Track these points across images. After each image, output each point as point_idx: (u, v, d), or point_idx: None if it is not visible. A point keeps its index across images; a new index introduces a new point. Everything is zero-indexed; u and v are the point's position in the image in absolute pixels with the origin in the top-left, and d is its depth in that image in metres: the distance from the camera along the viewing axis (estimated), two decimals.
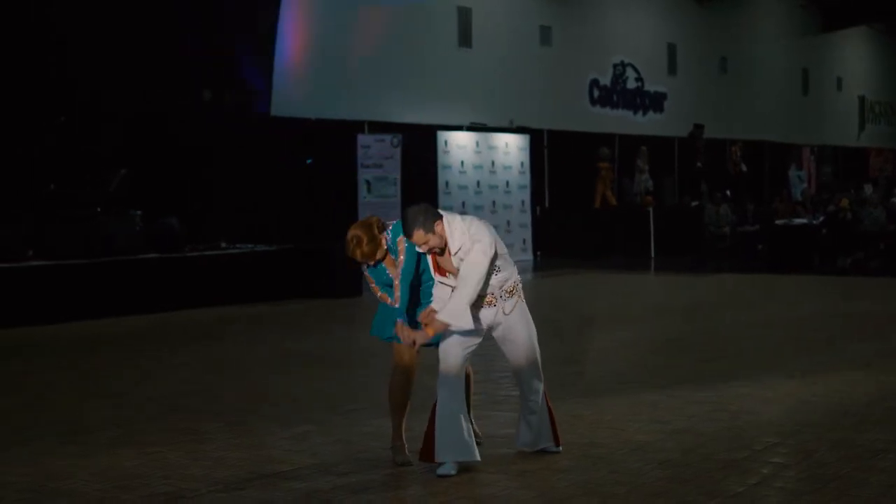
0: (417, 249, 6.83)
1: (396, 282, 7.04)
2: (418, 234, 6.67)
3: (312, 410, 9.01)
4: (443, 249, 6.78)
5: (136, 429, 8.41)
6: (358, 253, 7.03)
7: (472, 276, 6.67)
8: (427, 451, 6.89)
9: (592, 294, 18.82)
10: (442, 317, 6.68)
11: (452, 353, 6.88)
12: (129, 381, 10.66)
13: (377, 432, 8.00)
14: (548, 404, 7.28)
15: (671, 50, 34.37)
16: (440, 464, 6.86)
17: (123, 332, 14.46)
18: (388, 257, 7.14)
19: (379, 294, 7.29)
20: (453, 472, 6.82)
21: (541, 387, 7.21)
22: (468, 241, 6.72)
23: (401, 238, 6.94)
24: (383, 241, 7.07)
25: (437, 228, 6.69)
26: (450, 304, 6.69)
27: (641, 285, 20.77)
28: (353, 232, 7.06)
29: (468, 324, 6.72)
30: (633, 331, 13.79)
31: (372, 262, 7.13)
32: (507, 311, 7.01)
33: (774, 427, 8.06)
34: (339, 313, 16.39)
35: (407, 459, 7.15)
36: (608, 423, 8.29)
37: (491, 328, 7.07)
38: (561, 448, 7.33)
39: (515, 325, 7.04)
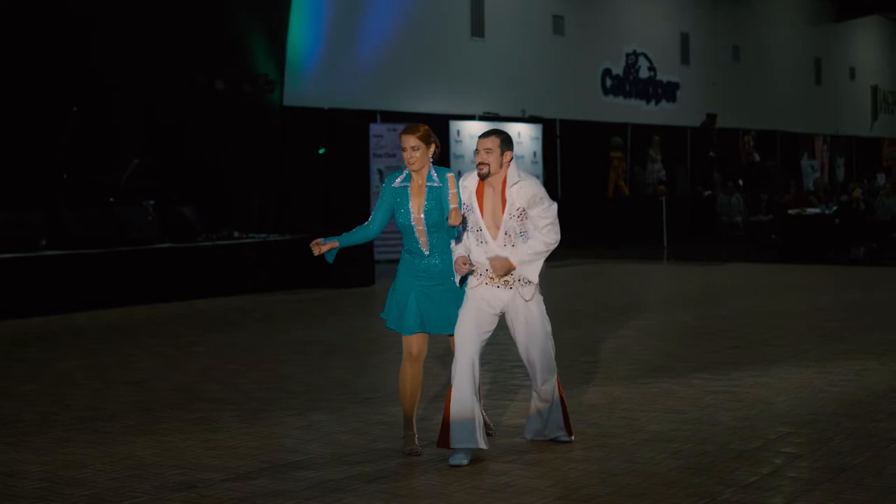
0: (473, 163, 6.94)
1: (420, 227, 6.97)
2: (493, 140, 6.87)
3: (327, 399, 9.03)
4: (484, 174, 6.84)
5: (153, 417, 8.44)
6: (422, 130, 7.00)
7: (548, 244, 6.88)
8: (444, 438, 6.90)
9: (605, 283, 18.81)
10: (517, 258, 6.83)
11: (467, 339, 6.89)
12: (146, 370, 10.69)
13: (391, 421, 8.01)
14: (561, 394, 7.28)
15: (684, 39, 34.28)
16: (454, 452, 6.87)
17: (139, 322, 14.49)
18: (422, 187, 7.05)
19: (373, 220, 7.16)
20: (465, 461, 6.83)
21: (553, 378, 7.19)
22: (523, 192, 6.83)
23: (450, 176, 6.94)
24: (433, 150, 7.04)
25: (507, 157, 6.91)
26: (529, 248, 6.85)
27: (654, 275, 20.75)
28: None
29: (533, 275, 6.90)
30: (647, 320, 13.77)
31: (417, 154, 6.95)
32: (526, 298, 7.00)
33: (788, 417, 8.05)
34: (353, 302, 16.41)
35: (416, 449, 7.14)
36: (622, 412, 8.29)
37: (504, 314, 7.05)
38: (573, 438, 7.33)
39: (533, 318, 7.03)
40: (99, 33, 18.35)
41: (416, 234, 7.03)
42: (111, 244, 16.19)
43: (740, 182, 31.19)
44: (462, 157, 24.32)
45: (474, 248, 6.97)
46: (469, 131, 24.61)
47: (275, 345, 12.39)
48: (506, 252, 6.87)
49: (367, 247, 18.60)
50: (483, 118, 25.89)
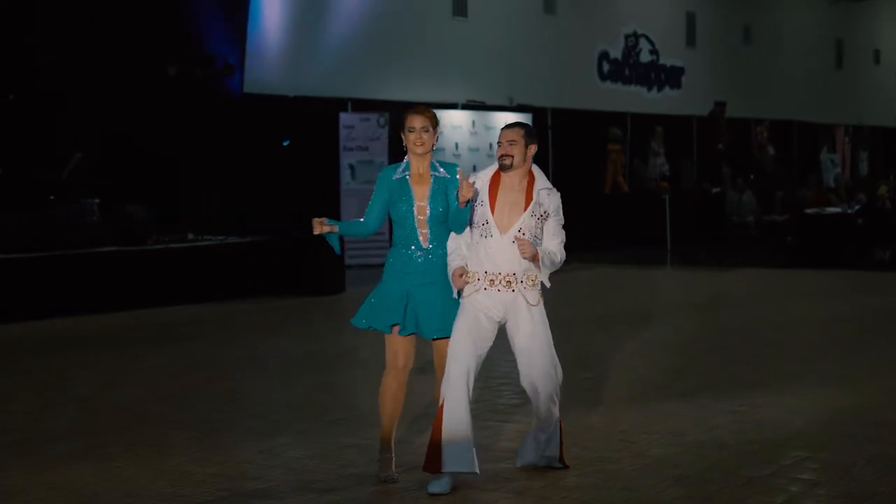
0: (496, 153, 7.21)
1: (422, 217, 7.14)
2: (517, 131, 7.20)
3: (291, 420, 9.03)
4: (507, 166, 7.11)
5: (98, 440, 8.43)
6: (431, 112, 7.24)
7: (559, 260, 7.30)
8: (432, 462, 6.89)
9: (602, 291, 18.84)
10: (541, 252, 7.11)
11: (462, 352, 6.96)
12: (89, 388, 10.67)
13: (364, 444, 8.02)
14: (560, 423, 7.34)
15: (689, 19, 34.36)
16: (436, 478, 6.88)
17: (82, 334, 14.45)
18: (425, 176, 7.23)
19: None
20: (447, 489, 6.85)
21: (557, 405, 7.25)
22: (552, 200, 7.26)
23: (460, 171, 7.24)
24: (436, 138, 7.29)
25: (532, 150, 7.23)
26: (549, 249, 7.22)
27: (656, 281, 20.80)
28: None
29: (545, 275, 7.28)
30: (648, 332, 13.82)
31: (426, 136, 7.19)
32: (532, 302, 7.14)
33: (804, 439, 8.10)
34: (322, 312, 16.40)
35: (392, 475, 7.17)
36: (620, 434, 8.33)
37: (505, 323, 7.15)
38: (568, 466, 7.37)
39: (537, 329, 7.17)
40: (38, 15, 18.30)
41: (417, 226, 7.16)
42: (50, 247, 16.13)
43: (752, 178, 31.28)
44: (443, 150, 24.31)
45: (477, 242, 7.12)
46: (451, 121, 24.60)
47: (234, 359, 12.39)
48: (514, 247, 7.06)
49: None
50: (466, 107, 25.91)
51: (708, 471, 7.25)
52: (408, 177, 7.22)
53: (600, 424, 8.66)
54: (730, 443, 8.00)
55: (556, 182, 25.89)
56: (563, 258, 7.34)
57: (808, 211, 24.85)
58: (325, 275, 17.98)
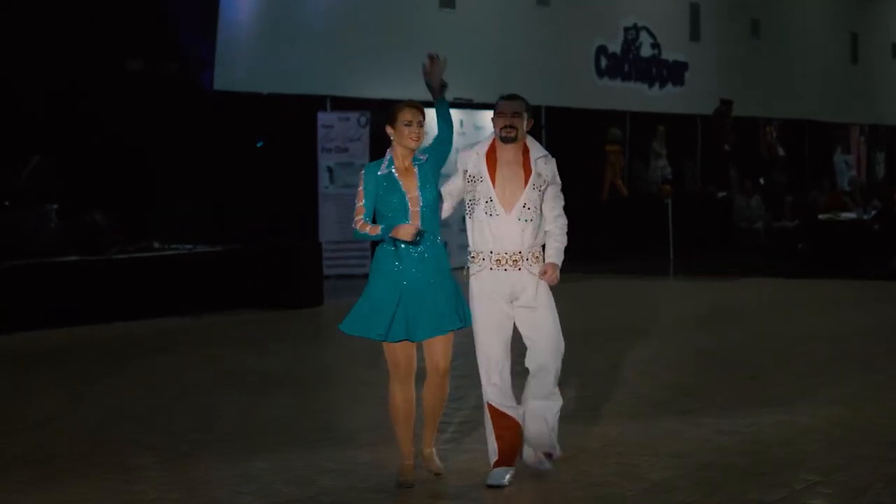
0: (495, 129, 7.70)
1: (416, 208, 7.50)
2: (520, 104, 7.69)
3: (267, 443, 9.03)
4: (512, 138, 7.58)
5: (56, 466, 8.42)
6: (421, 108, 7.69)
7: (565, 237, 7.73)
8: (506, 456, 7.53)
9: (599, 304, 18.86)
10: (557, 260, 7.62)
11: (492, 344, 7.54)
12: (48, 409, 10.65)
13: (342, 469, 8.03)
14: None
15: (694, 11, 34.44)
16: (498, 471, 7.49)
17: (38, 350, 14.43)
18: (410, 168, 7.64)
19: (359, 224, 7.54)
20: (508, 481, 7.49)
21: (557, 394, 7.81)
22: (549, 167, 7.71)
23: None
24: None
25: (530, 123, 7.74)
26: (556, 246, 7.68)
27: (658, 292, 20.82)
28: None
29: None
30: (648, 347, 13.83)
31: (420, 130, 7.64)
32: (537, 273, 7.55)
33: (817, 461, 8.12)
34: (299, 326, 16.40)
35: (409, 481, 7.50)
36: (618, 456, 8.34)
37: (514, 300, 7.57)
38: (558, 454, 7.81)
39: (542, 303, 7.64)
40: None
41: (410, 218, 7.48)
42: (5, 256, 16.12)
43: (761, 181, 31.34)
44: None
45: (483, 220, 7.55)
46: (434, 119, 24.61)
47: (204, 377, 12.38)
48: (520, 225, 7.53)
49: (315, 260, 18.61)
50: (453, 105, 25.89)
51: (713, 496, 7.26)
52: (394, 171, 7.57)
53: (597, 446, 8.67)
54: (736, 465, 8.02)
55: None
56: (566, 225, 7.73)
57: (821, 216, 24.92)
58: (303, 286, 17.98)
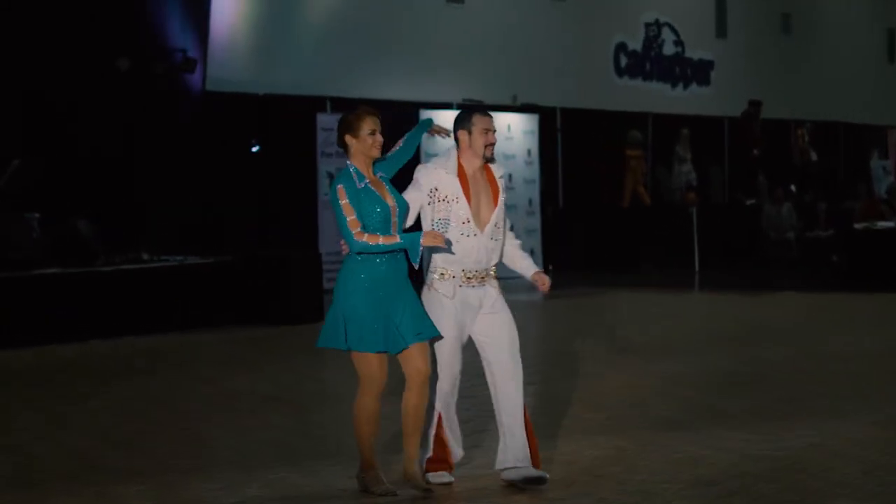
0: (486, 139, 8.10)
1: (394, 218, 7.87)
2: (489, 120, 8.14)
3: (261, 467, 9.04)
4: (491, 155, 8.01)
5: (36, 492, 8.43)
6: (378, 115, 8.05)
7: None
8: (440, 462, 8.00)
9: (620, 319, 18.83)
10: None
11: (456, 363, 7.93)
12: (26, 432, 10.67)
13: (343, 496, 8.04)
14: (527, 420, 8.03)
15: (720, 5, 34.45)
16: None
17: (17, 369, 14.46)
18: (377, 179, 8.01)
19: (365, 236, 7.81)
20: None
21: (521, 400, 8.01)
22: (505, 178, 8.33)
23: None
24: None
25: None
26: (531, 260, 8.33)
27: (682, 307, 20.82)
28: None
29: None
30: (671, 366, 13.83)
31: (381, 138, 7.97)
32: (497, 288, 8.02)
33: (850, 487, 8.11)
34: (295, 343, 16.38)
35: (389, 489, 7.71)
36: (637, 483, 8.34)
37: (480, 308, 7.97)
38: (545, 475, 7.90)
39: (502, 306, 8.04)
40: None
41: (391, 228, 7.83)
42: None
43: (793, 188, 31.31)
44: (436, 155, 24.35)
45: (458, 242, 7.87)
46: (445, 123, 24.63)
47: (194, 398, 12.39)
48: (492, 244, 8.03)
49: (315, 272, 18.62)
50: (462, 107, 25.92)
51: None
52: (368, 184, 7.88)
53: (613, 471, 8.66)
54: (766, 493, 8.01)
55: (566, 193, 26.04)
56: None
57: (857, 226, 24.88)
58: (300, 301, 17.97)
